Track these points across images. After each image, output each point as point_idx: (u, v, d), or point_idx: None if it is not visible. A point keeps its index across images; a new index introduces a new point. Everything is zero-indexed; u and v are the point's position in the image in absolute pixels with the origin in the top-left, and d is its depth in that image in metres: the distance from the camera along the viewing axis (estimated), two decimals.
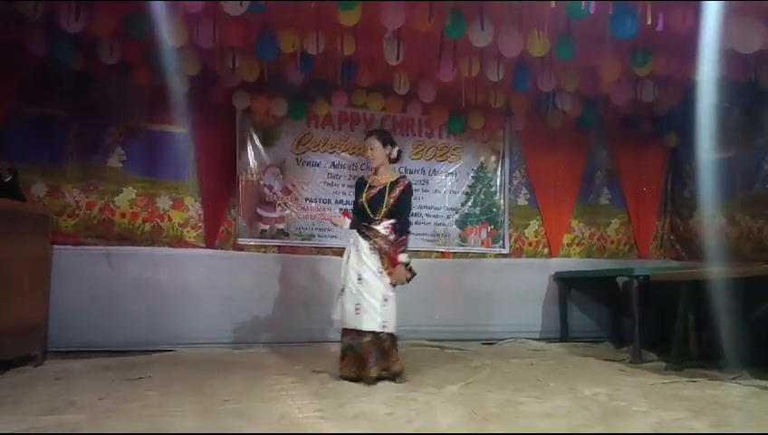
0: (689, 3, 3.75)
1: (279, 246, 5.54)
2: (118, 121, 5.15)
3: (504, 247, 6.17)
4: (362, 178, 3.94)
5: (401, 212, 3.73)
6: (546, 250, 6.29)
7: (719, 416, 2.73)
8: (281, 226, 5.58)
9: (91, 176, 5.06)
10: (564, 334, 5.81)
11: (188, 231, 5.32)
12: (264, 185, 5.55)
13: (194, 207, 5.34)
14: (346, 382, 3.50)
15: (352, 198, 3.97)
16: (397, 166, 5.71)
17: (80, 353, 4.40)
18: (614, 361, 4.62)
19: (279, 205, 5.57)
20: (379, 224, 3.67)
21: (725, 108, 5.21)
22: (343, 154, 5.77)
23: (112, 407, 2.84)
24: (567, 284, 5.93)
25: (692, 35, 3.97)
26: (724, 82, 4.40)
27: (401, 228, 3.71)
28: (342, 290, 3.64)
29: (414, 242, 5.81)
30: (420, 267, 5.66)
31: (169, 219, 5.27)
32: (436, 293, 5.64)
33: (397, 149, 3.85)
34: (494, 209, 6.19)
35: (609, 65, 4.53)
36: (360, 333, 3.52)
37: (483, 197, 6.18)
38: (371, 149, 3.77)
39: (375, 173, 3.82)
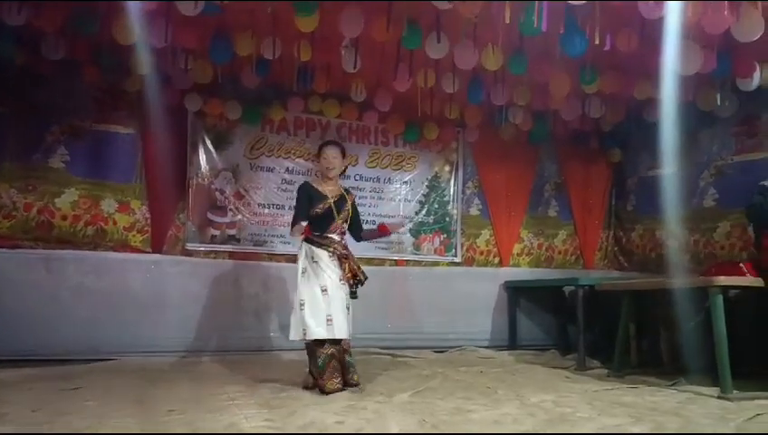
0: (635, 24, 3.92)
1: (230, 253, 5.42)
2: (61, 120, 4.93)
3: (456, 256, 6.26)
4: (308, 183, 3.79)
5: (358, 223, 3.88)
6: (497, 259, 6.42)
7: (657, 422, 2.84)
8: (232, 231, 5.46)
9: (31, 176, 4.81)
10: (513, 342, 5.93)
11: (134, 235, 5.14)
12: (216, 189, 5.43)
13: (140, 211, 5.17)
14: (295, 392, 3.45)
15: None
16: (350, 171, 5.86)
17: (12, 363, 4.16)
18: (560, 368, 4.74)
19: (231, 210, 5.46)
20: (334, 232, 3.68)
21: (666, 126, 5.46)
22: (298, 160, 5.72)
23: (46, 419, 2.70)
24: (516, 292, 6.07)
25: (637, 56, 4.16)
26: (666, 102, 4.62)
27: (358, 235, 3.92)
28: (302, 306, 3.48)
29: (368, 249, 5.85)
30: (374, 275, 5.72)
31: (114, 223, 5.07)
32: (388, 300, 5.66)
33: (347, 163, 3.92)
34: (447, 218, 6.28)
35: (558, 82, 4.68)
36: (335, 342, 3.49)
37: (436, 206, 6.25)
38: (334, 158, 3.71)
39: (325, 183, 3.74)
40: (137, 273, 4.95)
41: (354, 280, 3.60)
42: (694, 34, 3.85)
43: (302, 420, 2.74)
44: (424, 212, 6.20)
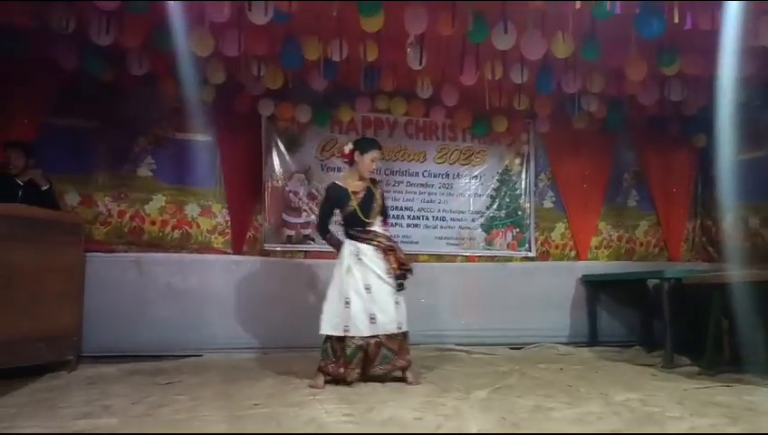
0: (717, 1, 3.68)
1: (305, 252, 5.59)
2: (147, 131, 5.28)
3: (530, 251, 6.12)
4: (336, 184, 3.80)
5: (386, 211, 3.87)
6: (573, 253, 6.22)
7: (755, 423, 2.65)
8: (306, 231, 5.62)
9: (122, 184, 5.19)
10: (593, 339, 5.72)
11: (216, 237, 5.41)
12: (290, 191, 5.60)
13: (221, 214, 5.43)
14: (372, 388, 3.51)
15: None
16: (419, 168, 5.88)
17: (112, 358, 4.48)
18: (646, 365, 4.52)
19: (304, 211, 5.62)
20: (374, 224, 3.70)
21: (755, 106, 5.07)
22: None
23: (144, 411, 2.89)
24: (595, 287, 5.84)
25: (721, 33, 3.90)
26: (754, 81, 4.30)
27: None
28: (348, 304, 3.51)
29: (438, 246, 5.88)
30: (445, 271, 5.78)
31: (198, 226, 5.37)
32: (461, 297, 5.62)
33: None
34: (520, 212, 6.15)
35: (634, 65, 4.47)
36: (371, 336, 3.54)
37: (508, 200, 6.14)
38: (377, 162, 3.79)
39: (352, 178, 3.74)
40: (219, 273, 5.17)
41: (401, 270, 3.59)
42: None
43: (380, 416, 2.78)
44: (495, 206, 6.11)
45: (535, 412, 2.87)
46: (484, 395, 3.29)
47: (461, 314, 5.56)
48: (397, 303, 3.59)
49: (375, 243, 3.64)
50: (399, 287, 3.61)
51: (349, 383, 3.49)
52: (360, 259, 3.59)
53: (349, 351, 3.52)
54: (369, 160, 3.70)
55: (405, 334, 3.67)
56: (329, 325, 3.55)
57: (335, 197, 3.73)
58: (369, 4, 3.83)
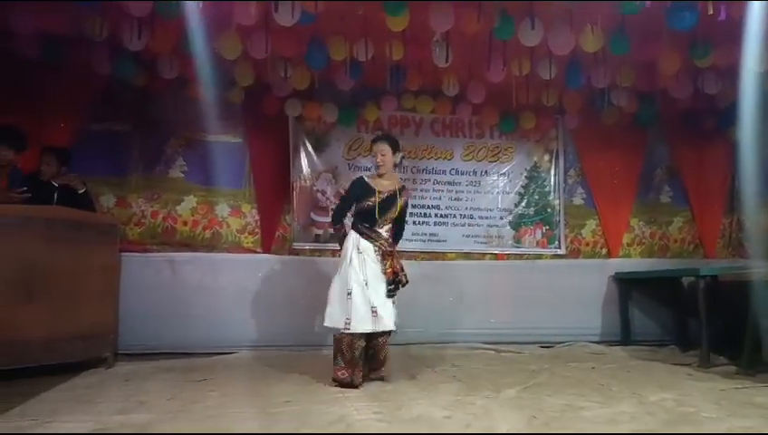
0: None
1: (333, 250, 5.62)
2: (178, 133, 5.37)
3: (560, 248, 6.04)
4: (362, 178, 3.78)
5: (402, 220, 3.82)
6: (604, 250, 6.11)
7: None
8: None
9: (155, 186, 5.30)
10: (626, 337, 5.62)
11: (246, 237, 5.48)
12: (318, 190, 5.65)
13: (251, 214, 5.50)
14: (400, 386, 3.52)
15: None
16: (446, 166, 5.85)
17: (147, 356, 4.59)
18: (681, 365, 4.43)
19: (332, 210, 5.64)
20: (382, 227, 3.69)
21: None
22: None
23: (179, 407, 2.96)
24: (628, 285, 5.74)
25: (754, 24, 3.78)
26: None
27: (398, 236, 3.85)
28: (350, 295, 3.49)
29: (467, 244, 5.85)
30: (474, 270, 5.74)
31: (228, 226, 5.45)
32: (491, 295, 5.59)
33: (401, 154, 3.84)
34: (549, 209, 6.07)
35: (667, 58, 4.37)
36: (376, 334, 3.54)
37: (537, 197, 6.07)
38: (382, 154, 3.71)
39: (380, 177, 3.74)
40: (249, 272, 5.25)
41: (393, 278, 3.57)
42: None
43: (410, 414, 2.79)
44: (524, 204, 6.04)
45: (566, 411, 2.84)
46: (513, 394, 3.27)
47: (490, 312, 5.53)
48: (387, 301, 3.59)
49: (377, 244, 3.63)
50: (389, 294, 3.58)
51: (356, 386, 3.44)
52: (360, 253, 3.59)
53: (357, 353, 3.49)
54: (372, 154, 3.84)
55: (389, 333, 3.66)
56: (330, 318, 3.54)
57: (358, 191, 3.73)
58: (394, 3, 3.83)
